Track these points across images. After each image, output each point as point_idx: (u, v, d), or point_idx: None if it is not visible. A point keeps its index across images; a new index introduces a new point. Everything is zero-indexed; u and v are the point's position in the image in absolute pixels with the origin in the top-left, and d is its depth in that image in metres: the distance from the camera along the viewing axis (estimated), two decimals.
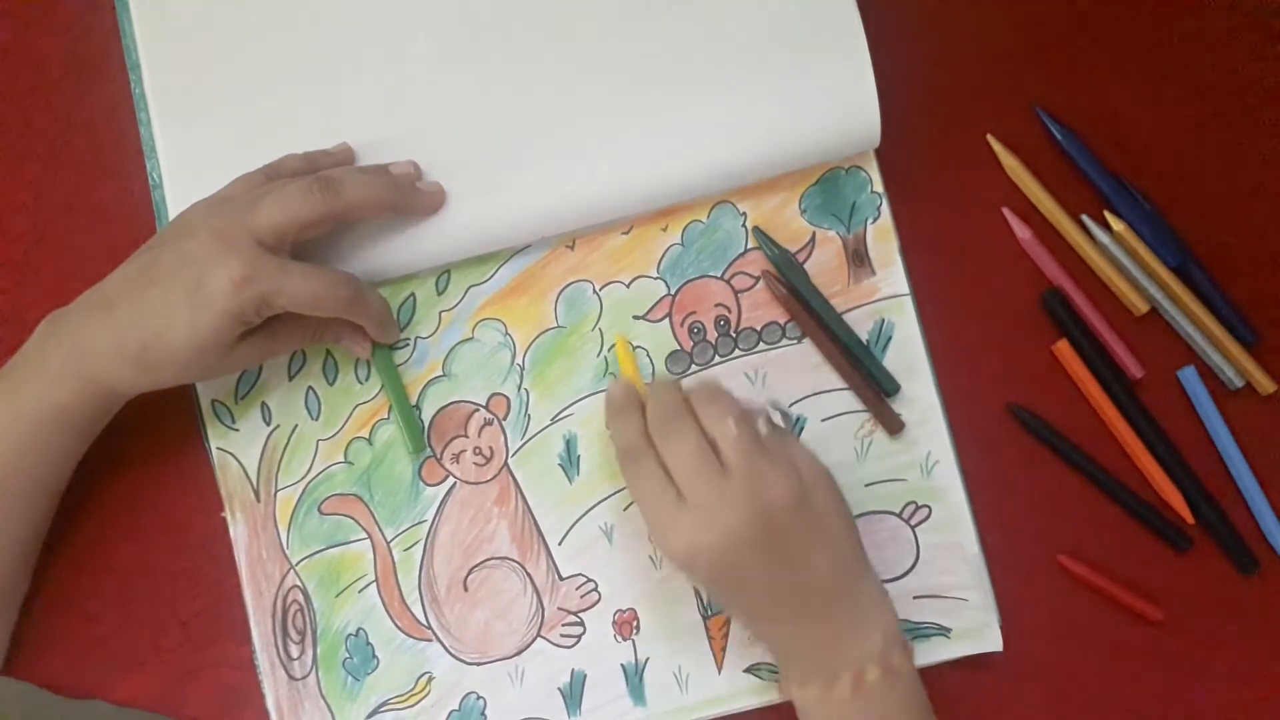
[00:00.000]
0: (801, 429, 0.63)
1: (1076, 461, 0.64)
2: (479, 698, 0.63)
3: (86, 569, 0.63)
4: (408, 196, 0.60)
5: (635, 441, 0.56)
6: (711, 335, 0.64)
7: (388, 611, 0.63)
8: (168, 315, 0.55)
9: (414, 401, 0.64)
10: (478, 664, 0.63)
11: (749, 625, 0.61)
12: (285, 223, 0.56)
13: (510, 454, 0.64)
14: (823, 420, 0.63)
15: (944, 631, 0.62)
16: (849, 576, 0.56)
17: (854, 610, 0.55)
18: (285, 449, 0.64)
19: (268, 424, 0.64)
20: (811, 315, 0.63)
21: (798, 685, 0.56)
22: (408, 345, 0.64)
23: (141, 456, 0.64)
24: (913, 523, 0.63)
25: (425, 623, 0.63)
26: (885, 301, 0.64)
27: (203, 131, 0.64)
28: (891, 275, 0.64)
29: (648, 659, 0.63)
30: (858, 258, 0.64)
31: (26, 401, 0.56)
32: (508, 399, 0.64)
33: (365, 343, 0.62)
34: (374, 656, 0.63)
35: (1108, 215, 0.64)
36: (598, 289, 0.64)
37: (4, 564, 0.59)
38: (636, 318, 0.64)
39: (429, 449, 0.64)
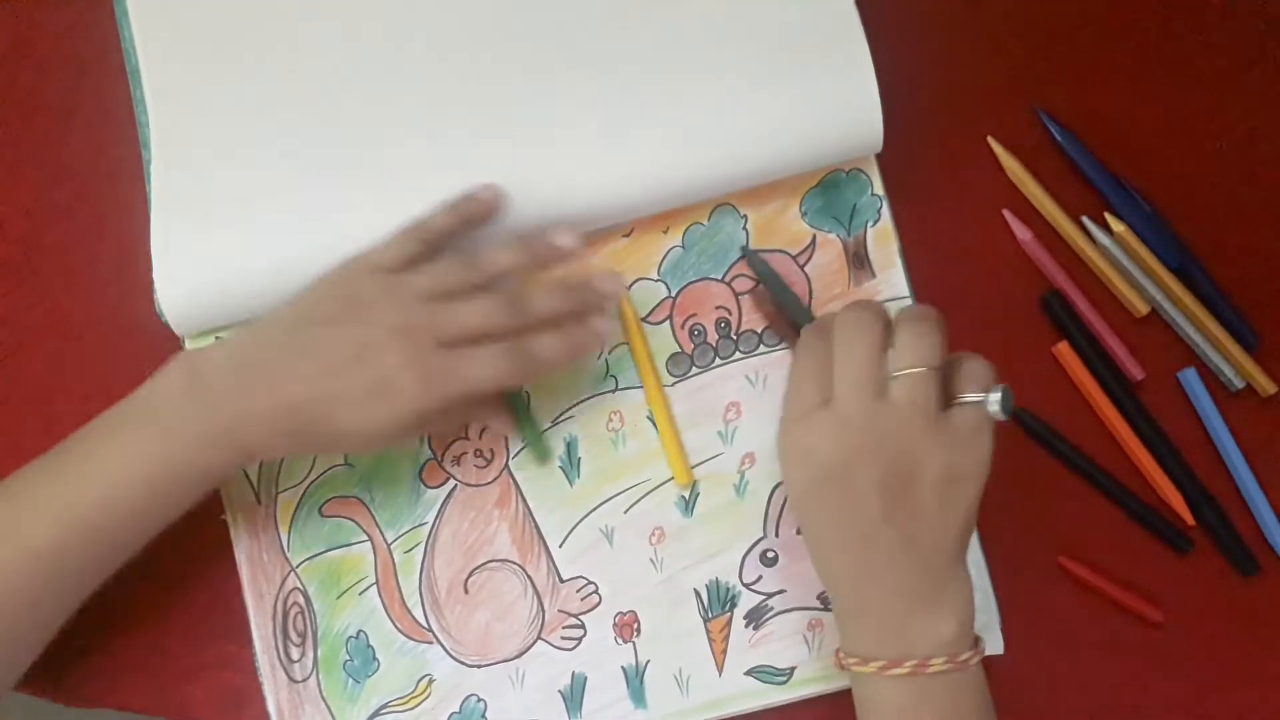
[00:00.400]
0: None
1: (1077, 463, 0.64)
2: (479, 700, 0.63)
3: None
4: (589, 342, 0.60)
5: (825, 324, 0.56)
6: (712, 337, 0.64)
7: (388, 614, 0.63)
8: (346, 405, 0.54)
9: None
10: (478, 666, 0.63)
11: (823, 562, 0.56)
12: (482, 381, 0.56)
13: (511, 456, 0.64)
14: None
15: None
16: (942, 561, 0.53)
17: (935, 593, 0.53)
18: None
19: None
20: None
21: (858, 661, 0.54)
22: None
23: None
24: None
25: (426, 625, 0.63)
26: (886, 304, 0.64)
27: (201, 134, 0.64)
28: (892, 278, 0.64)
29: (648, 661, 0.63)
30: (858, 260, 0.64)
31: (174, 462, 0.55)
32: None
33: (510, 425, 0.63)
34: (374, 659, 0.63)
35: (1108, 217, 0.64)
36: None
37: (65, 610, 0.57)
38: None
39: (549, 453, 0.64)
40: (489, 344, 0.56)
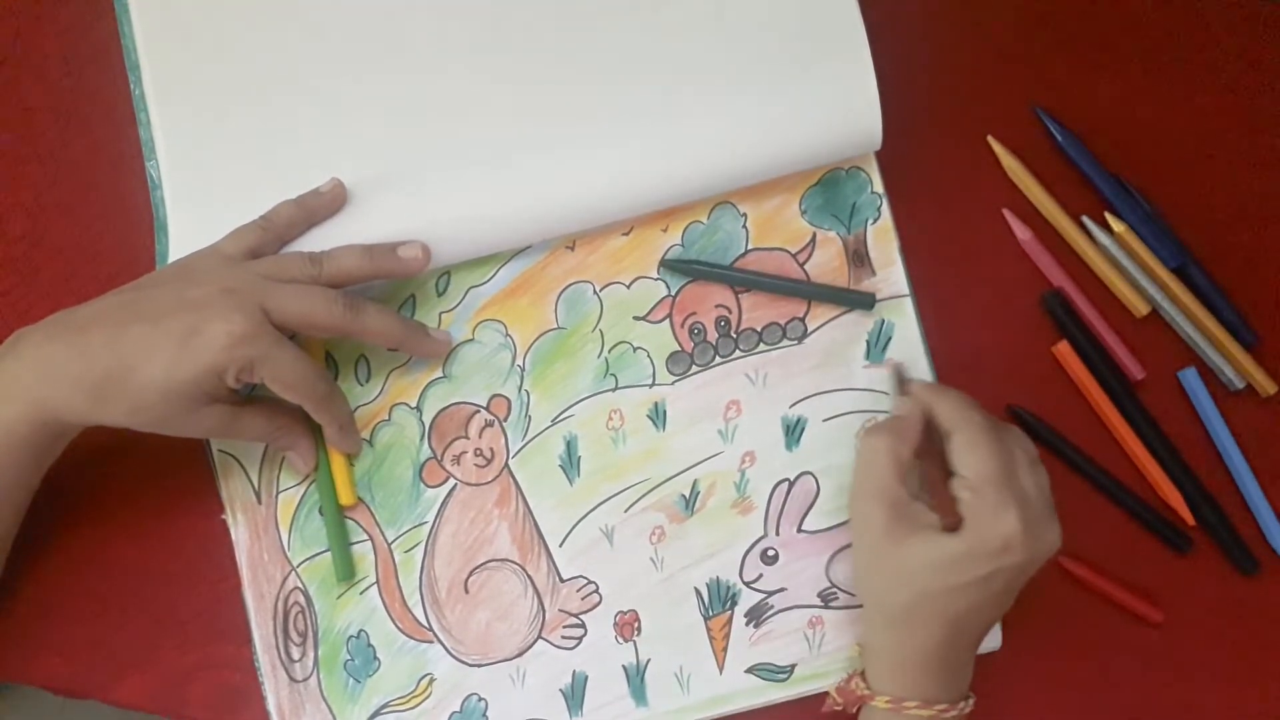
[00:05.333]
0: (802, 430, 0.63)
1: (1077, 462, 0.64)
2: (480, 699, 0.63)
3: (86, 569, 0.63)
4: (417, 341, 0.62)
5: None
6: (712, 336, 0.64)
7: (389, 613, 0.63)
8: (148, 351, 0.54)
9: (414, 404, 0.64)
10: (479, 665, 0.63)
11: (931, 628, 0.56)
12: (300, 318, 0.57)
13: (511, 455, 0.64)
14: (824, 420, 0.63)
15: None
16: None
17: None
18: None
19: None
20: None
21: (921, 701, 0.55)
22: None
23: (142, 457, 0.64)
24: None
25: (426, 624, 0.63)
26: (885, 302, 0.64)
27: (202, 132, 0.64)
28: (892, 276, 0.64)
29: (649, 660, 0.63)
30: (858, 258, 0.64)
31: None
32: (508, 400, 0.64)
33: (311, 460, 0.62)
34: (375, 658, 0.63)
35: (1108, 216, 0.64)
36: (598, 290, 0.64)
37: None
38: (637, 318, 0.64)
39: (354, 570, 0.63)
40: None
